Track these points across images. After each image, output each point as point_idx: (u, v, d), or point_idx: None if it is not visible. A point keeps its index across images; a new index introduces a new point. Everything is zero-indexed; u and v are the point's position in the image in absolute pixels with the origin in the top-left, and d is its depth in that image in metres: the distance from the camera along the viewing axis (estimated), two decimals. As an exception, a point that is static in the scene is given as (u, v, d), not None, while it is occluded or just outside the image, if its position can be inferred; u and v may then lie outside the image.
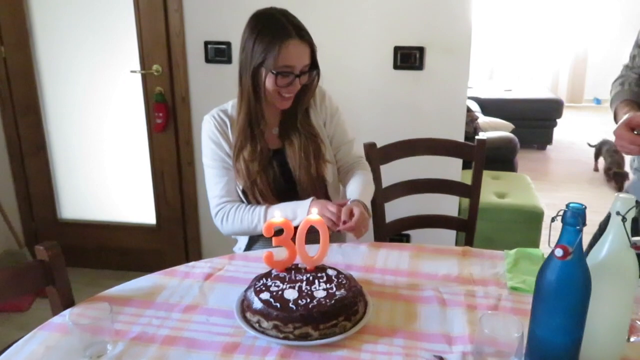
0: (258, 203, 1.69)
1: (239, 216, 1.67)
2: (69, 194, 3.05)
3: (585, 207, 0.92)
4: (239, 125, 1.67)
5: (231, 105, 1.74)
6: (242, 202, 1.73)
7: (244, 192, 1.70)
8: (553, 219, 0.94)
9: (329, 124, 1.80)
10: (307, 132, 1.72)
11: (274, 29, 1.56)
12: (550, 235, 0.97)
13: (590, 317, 0.97)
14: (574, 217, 0.92)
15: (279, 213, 1.55)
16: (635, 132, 1.34)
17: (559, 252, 0.93)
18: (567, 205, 0.93)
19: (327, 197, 1.79)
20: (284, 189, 1.72)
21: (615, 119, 1.53)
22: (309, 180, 1.72)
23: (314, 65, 1.64)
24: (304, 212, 1.59)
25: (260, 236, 1.76)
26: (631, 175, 1.71)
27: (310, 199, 1.62)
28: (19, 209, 3.03)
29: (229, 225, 1.69)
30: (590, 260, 0.98)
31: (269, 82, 1.59)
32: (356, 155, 1.86)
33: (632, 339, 1.11)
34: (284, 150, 1.73)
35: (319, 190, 1.75)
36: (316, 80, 1.69)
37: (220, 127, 1.70)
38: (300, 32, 1.58)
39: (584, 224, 0.92)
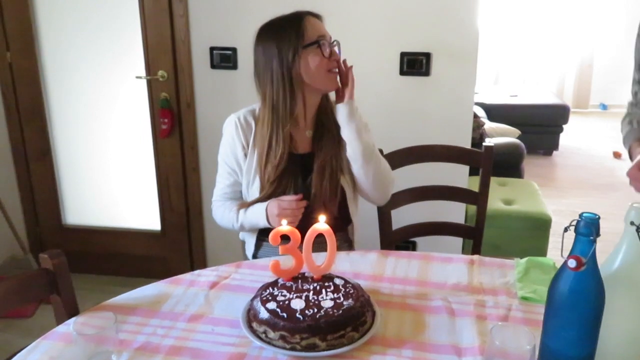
0: None
1: (220, 213, 1.75)
2: (73, 200, 3.04)
3: (599, 217, 0.91)
4: (262, 135, 1.63)
5: (259, 106, 1.69)
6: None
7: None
8: (566, 229, 0.93)
9: None
10: (338, 135, 1.66)
11: (288, 21, 1.59)
12: (563, 244, 0.95)
13: (603, 329, 0.95)
14: (588, 227, 0.90)
15: (243, 218, 1.68)
16: None
17: (572, 263, 0.91)
18: (581, 215, 0.92)
19: (345, 211, 1.72)
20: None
21: (631, 158, 1.57)
22: (323, 190, 1.65)
23: None
24: (261, 217, 1.63)
25: (267, 240, 1.74)
26: None
27: (266, 203, 1.62)
28: (23, 215, 3.03)
29: (217, 220, 1.78)
30: (603, 271, 0.96)
31: (314, 61, 1.57)
32: None
33: (646, 352, 1.09)
34: (314, 155, 1.67)
35: (333, 203, 1.68)
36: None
37: (243, 131, 1.67)
38: (311, 12, 1.62)
39: (598, 234, 0.90)
